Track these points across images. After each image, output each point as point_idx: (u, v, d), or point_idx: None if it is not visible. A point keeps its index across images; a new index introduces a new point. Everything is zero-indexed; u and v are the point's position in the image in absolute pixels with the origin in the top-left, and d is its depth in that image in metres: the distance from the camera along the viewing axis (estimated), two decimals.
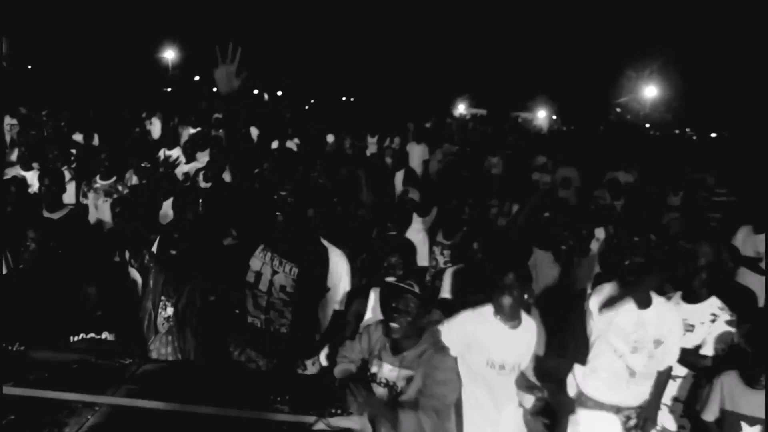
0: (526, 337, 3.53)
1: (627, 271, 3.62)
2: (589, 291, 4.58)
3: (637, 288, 3.59)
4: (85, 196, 6.37)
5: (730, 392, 3.39)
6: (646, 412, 3.67)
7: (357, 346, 3.25)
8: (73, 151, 8.50)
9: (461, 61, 53.20)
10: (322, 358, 3.91)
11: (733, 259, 4.91)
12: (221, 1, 42.86)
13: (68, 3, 36.43)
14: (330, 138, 13.01)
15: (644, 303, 3.63)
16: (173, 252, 3.89)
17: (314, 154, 9.73)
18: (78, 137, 10.60)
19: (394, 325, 3.02)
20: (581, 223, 5.08)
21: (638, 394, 3.67)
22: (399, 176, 8.83)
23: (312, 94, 43.84)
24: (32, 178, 6.25)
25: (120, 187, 6.34)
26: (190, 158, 8.28)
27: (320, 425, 2.61)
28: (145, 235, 4.61)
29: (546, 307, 4.55)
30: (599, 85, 44.64)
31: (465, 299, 4.24)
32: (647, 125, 41.53)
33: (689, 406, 3.86)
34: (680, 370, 3.92)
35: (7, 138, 10.57)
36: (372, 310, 3.75)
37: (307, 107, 35.75)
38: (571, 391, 3.85)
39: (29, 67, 33.96)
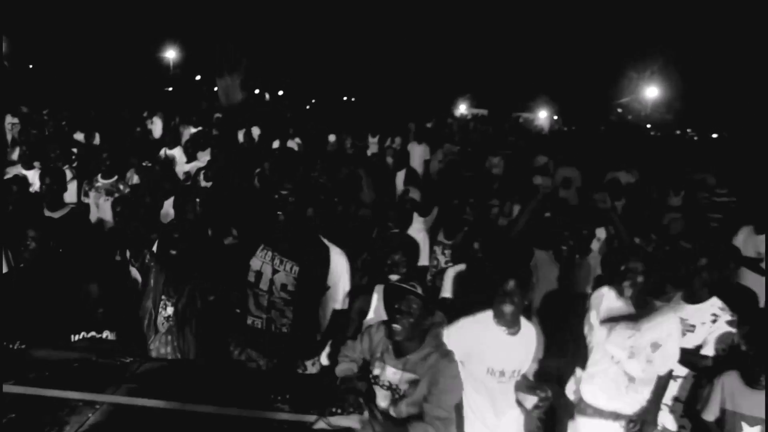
0: (525, 343, 3.52)
1: (623, 277, 3.62)
2: (589, 291, 4.59)
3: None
4: (87, 195, 6.38)
5: (730, 392, 3.38)
6: (645, 415, 3.67)
7: (358, 346, 3.24)
8: (74, 150, 8.51)
9: (462, 61, 53.14)
10: (323, 358, 3.92)
11: (734, 260, 4.91)
12: (222, 1, 42.83)
13: (69, 2, 36.44)
14: (332, 138, 13.03)
15: (641, 305, 3.63)
16: (173, 252, 3.89)
17: (315, 154, 9.74)
18: (79, 136, 10.62)
19: (396, 326, 3.01)
20: (582, 223, 5.07)
21: (637, 401, 3.65)
22: (400, 176, 8.83)
23: (313, 94, 43.81)
24: (33, 177, 6.25)
25: (121, 186, 6.34)
26: (191, 157, 8.28)
27: (320, 424, 2.61)
28: (145, 234, 4.61)
29: (546, 308, 4.56)
30: (600, 85, 44.59)
31: (466, 299, 4.24)
32: (648, 126, 41.51)
33: (690, 406, 3.85)
34: (681, 370, 3.92)
35: (9, 137, 10.59)
36: (375, 308, 3.75)
37: (308, 107, 35.77)
38: (571, 397, 3.85)
39: (30, 66, 33.96)
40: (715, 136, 40.40)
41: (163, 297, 3.82)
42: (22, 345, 3.17)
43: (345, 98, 49.20)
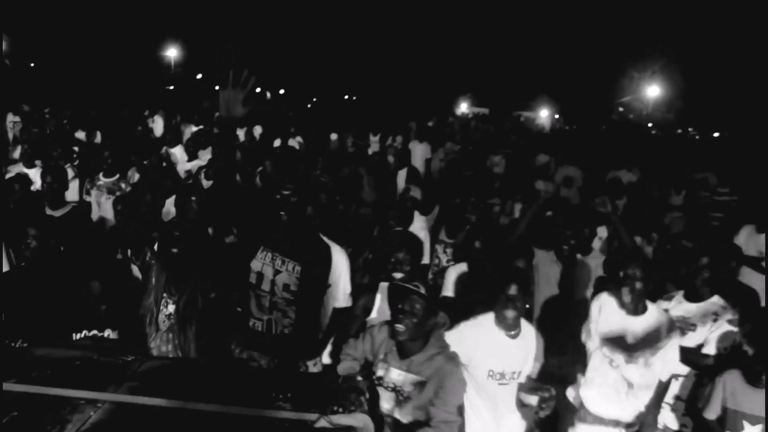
0: (525, 345, 3.52)
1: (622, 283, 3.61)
2: (591, 290, 4.59)
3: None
4: (88, 193, 6.38)
5: (732, 391, 3.38)
6: (645, 418, 3.66)
7: (360, 346, 3.24)
8: (76, 148, 8.52)
9: (463, 59, 53.17)
10: (325, 356, 3.92)
11: (736, 259, 4.90)
12: (223, 0, 42.84)
13: (71, 1, 36.46)
14: (334, 136, 13.04)
15: (639, 310, 3.62)
16: (174, 250, 3.89)
17: (316, 153, 9.75)
18: (80, 135, 10.63)
19: (399, 326, 3.00)
20: (583, 222, 5.07)
21: (637, 407, 3.65)
22: (402, 175, 8.84)
23: (314, 93, 43.84)
24: (35, 175, 6.25)
25: (123, 185, 6.35)
26: (193, 156, 8.29)
27: (322, 423, 2.61)
28: (145, 233, 4.61)
29: (547, 308, 4.56)
30: (602, 84, 44.62)
31: (467, 299, 4.24)
32: (650, 125, 41.49)
33: (691, 405, 3.86)
34: (682, 369, 3.92)
35: (10, 135, 10.60)
36: (378, 306, 3.75)
37: (309, 106, 35.78)
38: (573, 401, 3.84)
39: (32, 64, 33.99)
40: (716, 135, 40.35)
41: (164, 295, 3.82)
42: (24, 343, 3.17)
43: (346, 97, 49.19)
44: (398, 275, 3.75)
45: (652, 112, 42.81)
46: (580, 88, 46.43)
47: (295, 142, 11.60)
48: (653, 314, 3.65)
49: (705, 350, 3.87)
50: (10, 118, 11.59)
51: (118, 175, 6.47)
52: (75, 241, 4.72)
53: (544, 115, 50.71)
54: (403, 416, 3.02)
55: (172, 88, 35.83)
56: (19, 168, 6.75)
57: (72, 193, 6.12)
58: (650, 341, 3.58)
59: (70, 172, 6.32)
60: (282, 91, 45.45)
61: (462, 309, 3.83)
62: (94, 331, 3.64)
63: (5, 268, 3.99)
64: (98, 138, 10.74)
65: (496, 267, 4.18)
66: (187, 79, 40.64)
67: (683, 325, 3.96)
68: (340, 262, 3.78)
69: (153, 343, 3.76)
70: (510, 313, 3.38)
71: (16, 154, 8.09)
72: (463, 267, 4.55)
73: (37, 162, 6.92)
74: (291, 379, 3.15)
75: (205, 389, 2.77)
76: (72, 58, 34.16)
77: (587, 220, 5.19)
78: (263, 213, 3.66)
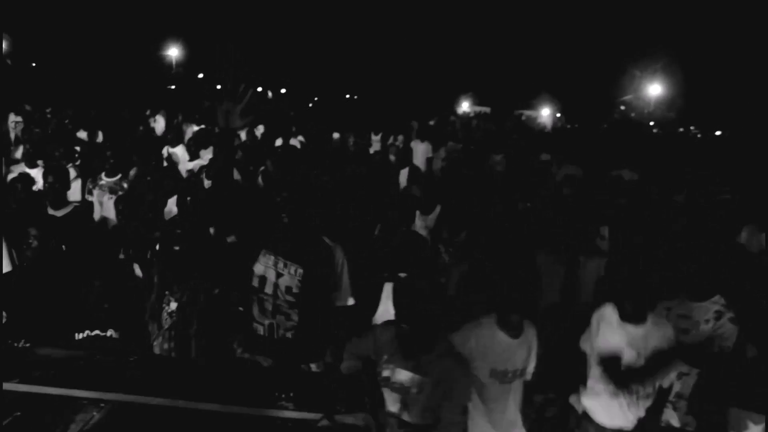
0: (527, 343, 3.53)
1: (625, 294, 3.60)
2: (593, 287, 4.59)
3: None
4: (90, 193, 6.39)
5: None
6: (647, 423, 3.66)
7: (363, 345, 3.24)
8: (77, 148, 8.53)
9: (465, 58, 53.15)
10: (328, 356, 3.91)
11: (738, 257, 4.90)
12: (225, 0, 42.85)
13: (72, 1, 36.49)
14: (336, 135, 13.04)
15: (639, 319, 3.61)
16: (176, 248, 3.89)
17: (317, 153, 9.75)
18: (82, 134, 10.64)
19: (404, 326, 3.01)
20: (585, 221, 5.07)
21: (640, 415, 3.65)
22: (403, 174, 8.83)
23: (315, 92, 43.85)
24: (37, 175, 6.26)
25: (125, 185, 6.36)
26: (194, 156, 8.29)
27: (325, 422, 2.61)
28: (145, 233, 4.61)
29: (550, 311, 4.55)
30: (603, 83, 44.58)
31: (468, 298, 4.25)
32: (651, 123, 41.44)
33: (694, 403, 3.85)
34: (685, 368, 3.92)
35: (12, 135, 10.61)
36: (383, 306, 3.75)
37: (310, 105, 35.77)
38: (577, 407, 3.84)
39: (33, 64, 34.02)
40: (718, 133, 40.30)
41: (166, 293, 3.82)
42: (27, 343, 3.17)
43: (347, 96, 49.18)
44: (403, 275, 3.75)
45: (653, 111, 42.75)
46: (582, 86, 46.42)
47: (296, 142, 11.60)
48: (653, 321, 3.64)
49: (707, 349, 3.86)
50: (12, 118, 11.60)
51: (120, 175, 6.47)
52: (77, 240, 4.72)
53: (545, 113, 50.66)
54: (411, 418, 3.01)
55: (173, 87, 35.83)
56: (21, 168, 6.75)
57: (74, 193, 6.12)
58: (651, 355, 3.56)
59: (72, 172, 6.33)
60: (283, 91, 45.46)
61: (463, 309, 3.83)
62: (97, 331, 3.65)
63: (8, 268, 3.99)
64: (100, 138, 10.75)
65: (496, 267, 4.19)
66: (188, 79, 40.66)
67: (685, 324, 3.96)
68: (342, 262, 3.79)
69: (156, 341, 3.76)
70: (514, 318, 3.39)
71: (18, 154, 8.11)
72: (464, 266, 4.55)
73: (39, 162, 6.92)
74: (293, 378, 3.15)
75: (207, 389, 2.77)
76: (73, 57, 34.19)
77: (589, 218, 5.19)
78: (264, 215, 3.66)
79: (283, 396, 2.75)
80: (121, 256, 4.81)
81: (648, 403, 3.64)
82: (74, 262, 4.38)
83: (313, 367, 3.76)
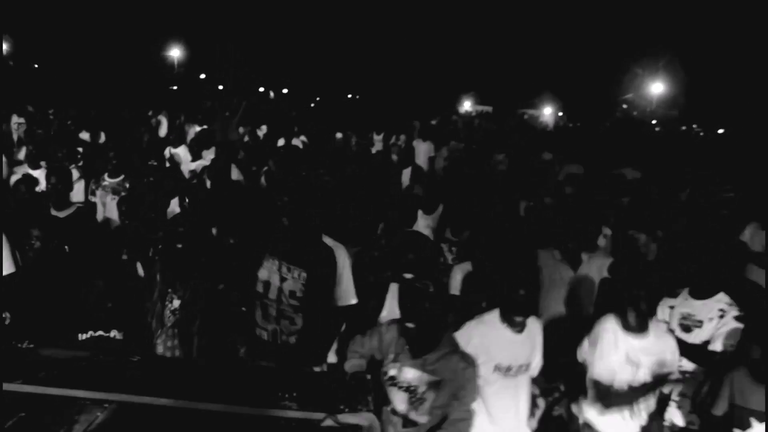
0: (531, 338, 3.53)
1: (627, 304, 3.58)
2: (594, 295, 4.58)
3: None
4: (93, 194, 6.39)
5: (739, 388, 3.37)
6: (649, 427, 3.65)
7: (367, 343, 3.23)
8: (80, 149, 8.54)
9: (467, 58, 53.13)
10: (331, 354, 3.91)
11: (741, 255, 4.90)
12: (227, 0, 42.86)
13: (74, 2, 36.54)
14: (339, 135, 13.06)
15: (641, 330, 3.59)
16: (179, 245, 3.90)
17: (318, 153, 9.76)
18: (85, 135, 10.65)
19: (409, 324, 3.01)
20: (587, 219, 5.05)
21: (642, 421, 3.64)
22: (406, 173, 8.83)
23: (317, 92, 43.87)
24: (40, 176, 6.27)
25: (128, 185, 6.36)
26: (197, 156, 8.29)
27: (329, 422, 2.61)
28: (146, 234, 4.61)
29: (552, 310, 4.54)
30: (605, 81, 44.52)
31: (472, 297, 4.24)
32: (654, 122, 41.38)
33: (698, 402, 3.84)
34: (688, 366, 3.91)
35: (15, 137, 10.63)
36: (389, 307, 3.74)
37: (312, 105, 35.79)
38: (579, 417, 3.83)
39: (36, 65, 34.07)
40: (721, 131, 40.23)
41: (169, 290, 3.83)
42: (30, 344, 3.18)
43: (349, 96, 49.19)
44: (408, 276, 3.75)
45: (655, 109, 42.70)
46: (584, 85, 46.36)
47: (298, 142, 11.61)
48: (655, 331, 3.62)
49: (711, 347, 3.86)
50: (15, 119, 11.63)
51: (123, 176, 6.47)
52: (80, 241, 4.73)
53: (547, 112, 50.64)
54: (419, 416, 3.01)
55: (175, 88, 35.86)
56: (24, 169, 6.76)
57: (77, 194, 6.13)
58: (655, 358, 3.55)
59: (75, 173, 6.34)
60: (285, 91, 45.48)
61: (466, 308, 3.83)
62: (100, 332, 3.66)
63: (11, 269, 3.99)
64: (102, 138, 10.76)
65: (496, 267, 4.19)
66: (190, 79, 40.68)
67: (689, 322, 3.95)
68: (343, 261, 3.78)
69: (159, 339, 3.76)
70: (518, 318, 3.40)
71: (21, 155, 8.12)
72: (467, 266, 4.54)
73: (42, 163, 6.93)
74: (297, 378, 3.15)
75: (211, 389, 2.77)
76: (76, 58, 34.24)
77: (591, 217, 5.17)
78: (266, 215, 3.66)
79: (287, 396, 2.75)
80: (124, 257, 4.82)
81: (650, 409, 3.63)
82: (77, 262, 4.39)
83: (316, 368, 3.76)
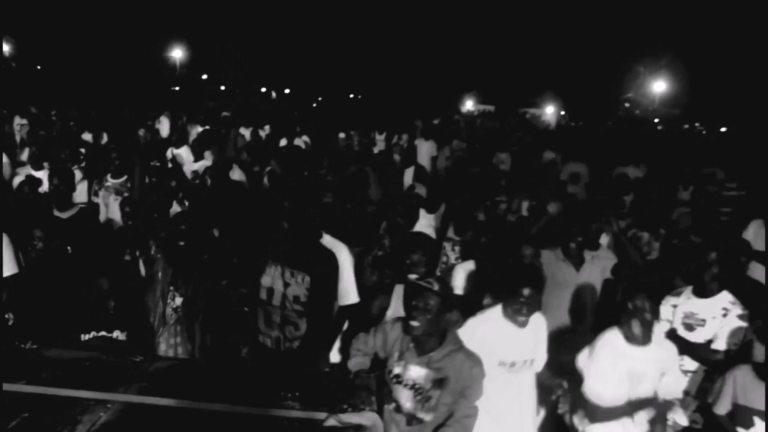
0: (534, 332, 3.52)
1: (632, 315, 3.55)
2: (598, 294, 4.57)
3: None
4: (96, 194, 6.40)
5: (743, 386, 3.36)
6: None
7: (371, 341, 3.23)
8: (83, 150, 8.55)
9: (469, 57, 53.12)
10: (334, 353, 3.91)
11: (744, 254, 4.88)
12: (228, 0, 42.90)
13: (77, 3, 36.59)
14: (342, 135, 13.06)
15: (644, 341, 3.57)
16: (181, 243, 3.90)
17: (320, 153, 9.76)
18: (87, 136, 10.66)
19: (414, 323, 3.00)
20: (590, 218, 5.05)
21: (644, 428, 3.63)
22: (408, 173, 8.83)
23: (319, 92, 43.89)
24: (43, 177, 6.29)
25: (130, 186, 6.36)
26: (199, 156, 8.29)
27: (331, 421, 2.61)
28: (146, 234, 4.61)
29: (555, 309, 4.53)
30: (607, 80, 44.48)
31: (476, 296, 4.24)
32: (656, 120, 41.32)
33: (701, 401, 3.84)
34: (691, 365, 3.91)
35: (18, 138, 10.65)
36: (394, 308, 3.73)
37: (314, 105, 35.81)
38: (579, 428, 3.82)
39: (38, 67, 34.14)
40: (723, 129, 40.13)
41: (171, 288, 3.83)
42: (34, 345, 3.19)
43: (351, 96, 49.20)
44: (413, 276, 3.75)
45: (658, 108, 42.65)
46: (586, 84, 46.33)
47: (301, 142, 11.61)
48: (658, 343, 3.60)
49: (715, 346, 3.85)
50: (17, 120, 11.65)
51: (125, 177, 6.48)
52: (82, 242, 4.73)
53: (549, 111, 50.57)
54: (424, 414, 3.01)
55: (177, 88, 35.90)
56: (27, 170, 6.77)
57: (80, 195, 6.13)
58: (657, 366, 3.53)
59: (78, 174, 6.34)
60: (287, 91, 45.50)
61: (470, 306, 3.82)
62: (103, 332, 3.67)
63: (14, 270, 4.00)
64: (104, 139, 10.77)
65: (497, 266, 4.18)
66: (192, 80, 40.73)
67: (692, 321, 3.95)
68: (344, 262, 3.78)
69: (161, 337, 3.77)
70: (522, 318, 3.39)
71: (24, 156, 8.13)
72: (470, 265, 4.54)
73: (45, 164, 6.94)
74: (300, 378, 3.15)
75: (214, 389, 2.78)
76: (78, 60, 34.29)
77: (594, 216, 5.17)
78: (268, 216, 3.66)
79: (290, 395, 2.75)
80: (127, 257, 4.82)
81: (650, 416, 3.61)
82: (80, 263, 4.39)
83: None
